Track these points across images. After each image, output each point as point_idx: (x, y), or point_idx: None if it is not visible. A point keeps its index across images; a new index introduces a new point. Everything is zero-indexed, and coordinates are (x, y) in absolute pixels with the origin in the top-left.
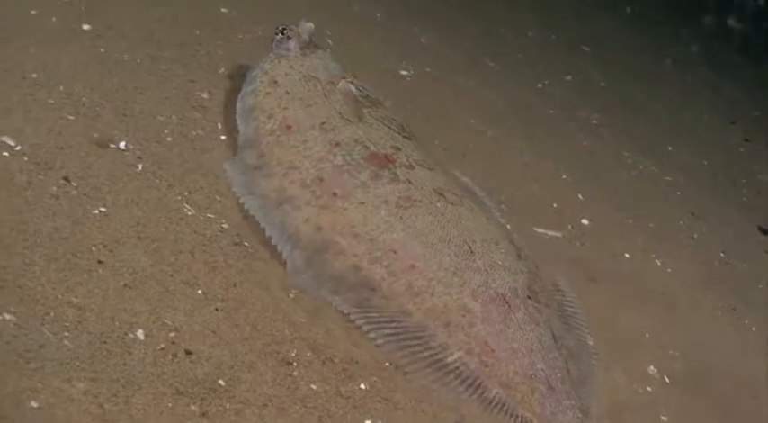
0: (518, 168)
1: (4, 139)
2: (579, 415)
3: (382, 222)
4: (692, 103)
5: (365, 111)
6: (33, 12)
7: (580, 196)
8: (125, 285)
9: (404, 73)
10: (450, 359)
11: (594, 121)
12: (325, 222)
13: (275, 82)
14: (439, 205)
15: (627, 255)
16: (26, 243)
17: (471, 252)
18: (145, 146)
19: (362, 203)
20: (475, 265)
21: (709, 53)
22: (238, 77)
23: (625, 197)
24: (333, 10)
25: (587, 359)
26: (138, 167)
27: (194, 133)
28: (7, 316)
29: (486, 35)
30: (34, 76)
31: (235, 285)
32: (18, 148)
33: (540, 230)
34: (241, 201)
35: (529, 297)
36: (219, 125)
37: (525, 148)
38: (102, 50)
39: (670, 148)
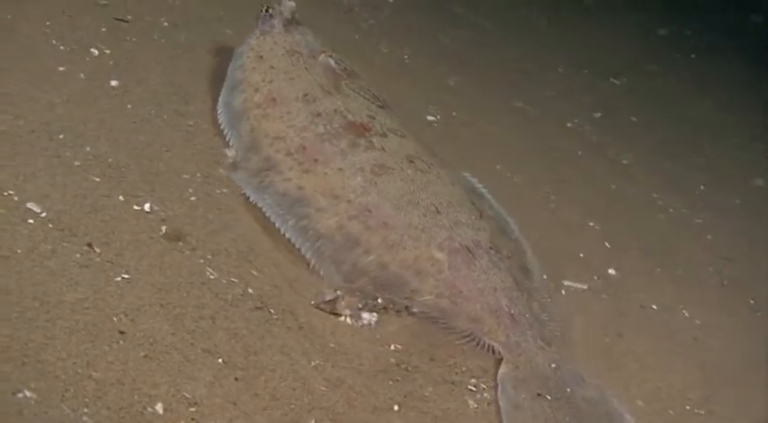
0: (544, 216)
1: (30, 205)
2: (541, 343)
3: (359, 187)
4: (726, 139)
5: (343, 82)
6: (61, 68)
7: (607, 244)
8: (145, 356)
9: (430, 118)
10: (420, 300)
11: (625, 161)
12: (307, 183)
13: (261, 57)
14: (409, 172)
15: (654, 306)
16: (48, 315)
17: (438, 212)
18: (169, 206)
19: (341, 170)
20: (441, 222)
21: (749, 84)
22: None
23: (654, 243)
24: (360, 50)
25: (546, 298)
26: (161, 230)
27: (218, 192)
28: (28, 393)
29: (515, 74)
30: (61, 136)
31: (255, 353)
32: (43, 214)
33: (566, 283)
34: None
35: (491, 248)
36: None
37: (552, 194)
38: (129, 107)
39: (702, 187)
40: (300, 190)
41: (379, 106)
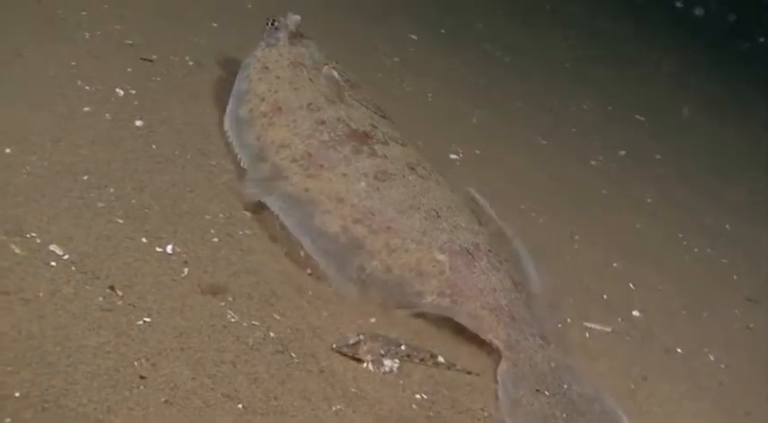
0: (568, 257)
1: (53, 247)
2: (539, 341)
3: (362, 192)
4: (752, 178)
5: (346, 93)
6: (87, 109)
7: (632, 285)
8: (166, 401)
9: (453, 157)
10: (425, 301)
11: (649, 200)
12: (313, 186)
13: (266, 68)
14: (411, 178)
15: (679, 349)
16: (69, 360)
17: (438, 216)
18: (191, 248)
19: (345, 175)
20: (441, 226)
21: None
22: None
23: (678, 284)
24: (384, 87)
25: (544, 300)
26: (183, 272)
27: (240, 233)
28: None
29: (540, 110)
30: (85, 178)
31: (276, 398)
32: (66, 257)
33: (590, 325)
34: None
35: (489, 251)
36: (267, 224)
37: (576, 234)
38: (153, 147)
39: (728, 227)
40: (307, 192)
41: (381, 116)
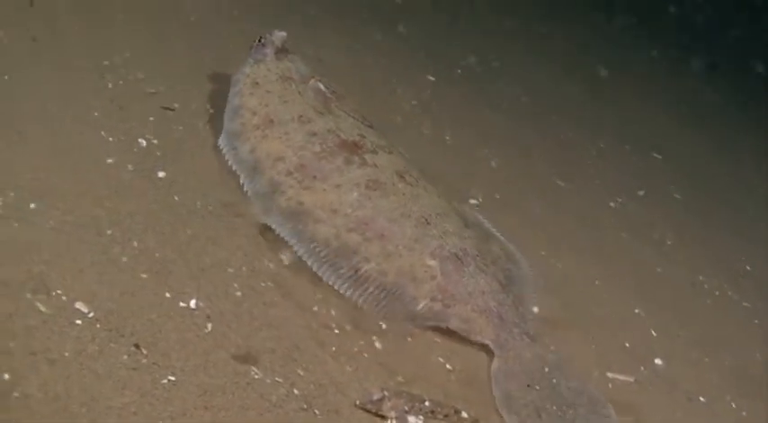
0: (590, 303)
1: (78, 305)
2: (527, 339)
3: (355, 202)
4: None
5: (333, 104)
6: (110, 160)
7: (653, 332)
8: None
9: (473, 202)
10: (419, 306)
11: (669, 242)
12: (307, 199)
13: (256, 83)
14: (400, 186)
15: (702, 398)
16: (95, 422)
17: (428, 223)
18: (215, 303)
19: (338, 186)
20: (431, 233)
21: None
22: None
23: (700, 330)
24: (403, 131)
25: (530, 300)
26: (207, 328)
27: (263, 285)
28: None
29: (557, 150)
30: (109, 232)
31: None
32: (91, 314)
33: (613, 376)
34: (245, 188)
35: (477, 255)
36: (285, 259)
37: (597, 279)
38: (176, 198)
39: (749, 268)
40: (301, 205)
41: (368, 126)
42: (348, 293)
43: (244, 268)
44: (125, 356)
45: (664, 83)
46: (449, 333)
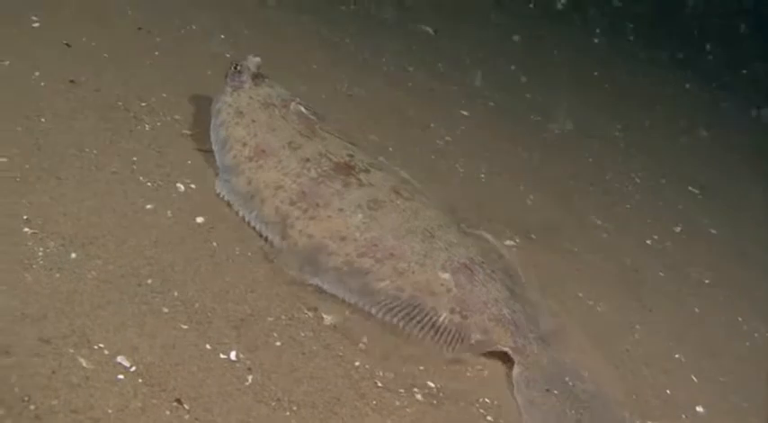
0: (629, 349)
1: (120, 359)
2: (541, 343)
3: (361, 224)
4: None
5: (317, 126)
6: (149, 206)
7: (694, 378)
8: None
9: (509, 243)
10: (440, 319)
11: (707, 281)
12: (315, 231)
13: (241, 113)
14: (398, 202)
15: None
16: None
17: (432, 237)
18: (254, 354)
19: (341, 210)
20: (437, 246)
21: None
22: None
23: (740, 375)
24: (436, 170)
25: (536, 303)
26: (247, 380)
27: (302, 334)
28: None
29: (592, 187)
30: (149, 281)
31: None
32: (133, 368)
33: None
34: (252, 224)
35: (483, 262)
36: (329, 320)
37: (636, 324)
38: (214, 244)
39: None
40: (310, 238)
41: (352, 144)
42: (375, 313)
43: (283, 317)
44: (167, 412)
45: (699, 116)
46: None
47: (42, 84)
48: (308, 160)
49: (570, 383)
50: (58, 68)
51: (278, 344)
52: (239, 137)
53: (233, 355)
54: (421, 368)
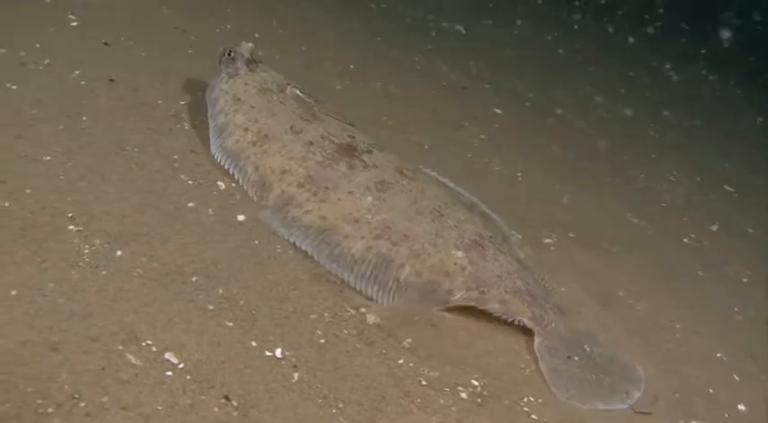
0: (670, 348)
1: (168, 355)
2: (557, 311)
3: (371, 206)
4: None
5: (314, 109)
6: (191, 204)
7: (736, 377)
8: None
9: (547, 241)
10: (455, 297)
11: (745, 279)
12: (327, 213)
13: (239, 99)
14: (404, 183)
15: None
16: None
17: (441, 215)
18: (299, 351)
19: (351, 193)
20: (447, 224)
21: None
22: None
23: None
24: (474, 168)
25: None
26: (293, 377)
27: (346, 332)
28: None
29: (628, 185)
30: (194, 279)
31: None
32: (181, 365)
33: None
34: (264, 221)
35: (491, 236)
36: (372, 319)
37: (677, 322)
38: (256, 243)
39: None
40: (324, 220)
41: (350, 125)
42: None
43: (326, 314)
44: (216, 409)
45: (734, 115)
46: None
47: (82, 82)
48: (311, 143)
49: (588, 349)
50: (97, 67)
51: (322, 341)
52: (240, 123)
53: (278, 353)
54: (465, 367)
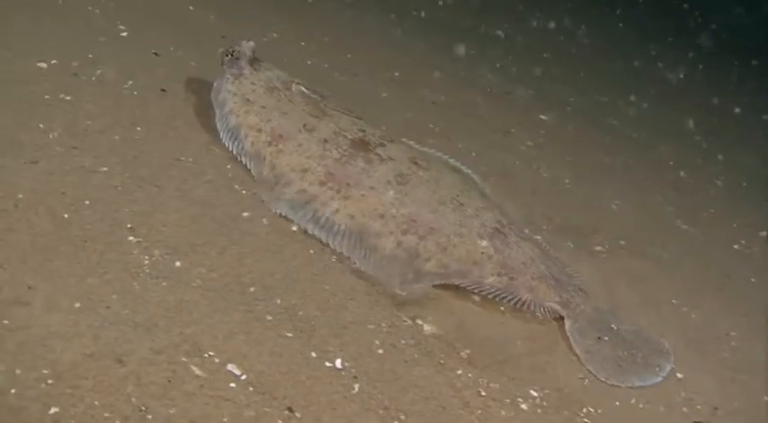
0: (727, 356)
1: (230, 367)
2: (582, 293)
3: (395, 200)
4: None
5: (321, 105)
6: (246, 214)
7: None
8: None
9: (598, 249)
10: (488, 280)
11: None
12: (354, 211)
13: (248, 100)
14: (421, 174)
15: None
16: None
17: (461, 204)
18: (359, 362)
19: (373, 188)
20: (468, 213)
21: None
22: None
23: None
24: (520, 176)
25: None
26: (354, 388)
27: (403, 342)
28: None
29: (675, 191)
30: (252, 289)
31: None
32: (243, 377)
33: None
34: (272, 207)
35: (510, 223)
36: (428, 329)
37: (732, 331)
38: (311, 252)
39: None
40: (353, 219)
41: (359, 118)
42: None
43: (383, 324)
44: (279, 421)
45: None
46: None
47: (135, 92)
48: (326, 141)
49: (615, 327)
50: (148, 77)
51: (380, 352)
52: (252, 124)
53: (338, 363)
54: (524, 378)
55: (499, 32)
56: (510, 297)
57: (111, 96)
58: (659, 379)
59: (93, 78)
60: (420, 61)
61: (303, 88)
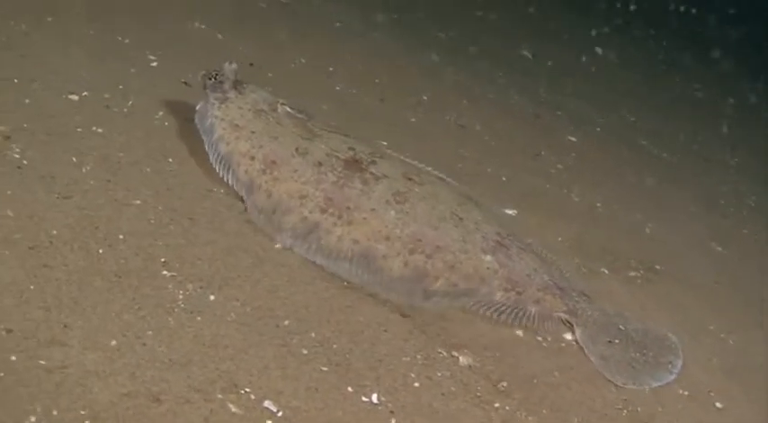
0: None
1: (267, 403)
2: (585, 298)
3: (397, 220)
4: None
5: (308, 125)
6: (278, 246)
7: None
8: None
9: (633, 274)
10: (497, 296)
11: None
12: (358, 235)
13: (237, 125)
14: (417, 190)
15: None
16: None
17: (461, 219)
18: (395, 396)
19: (374, 210)
20: (469, 227)
21: None
22: None
23: None
24: (552, 200)
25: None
26: None
27: (439, 375)
28: None
29: (710, 214)
30: (286, 323)
31: None
32: (280, 413)
33: None
34: (275, 238)
35: (509, 235)
36: (464, 361)
37: None
38: (344, 283)
39: None
40: (357, 244)
41: (346, 135)
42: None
43: (418, 356)
44: None
45: None
46: None
47: (166, 123)
48: (320, 164)
49: (623, 328)
50: (178, 108)
51: (416, 385)
52: (245, 151)
53: (374, 398)
54: (562, 411)
55: (526, 53)
56: (518, 313)
57: (143, 128)
58: (673, 377)
59: (125, 110)
60: (447, 85)
61: (288, 108)
